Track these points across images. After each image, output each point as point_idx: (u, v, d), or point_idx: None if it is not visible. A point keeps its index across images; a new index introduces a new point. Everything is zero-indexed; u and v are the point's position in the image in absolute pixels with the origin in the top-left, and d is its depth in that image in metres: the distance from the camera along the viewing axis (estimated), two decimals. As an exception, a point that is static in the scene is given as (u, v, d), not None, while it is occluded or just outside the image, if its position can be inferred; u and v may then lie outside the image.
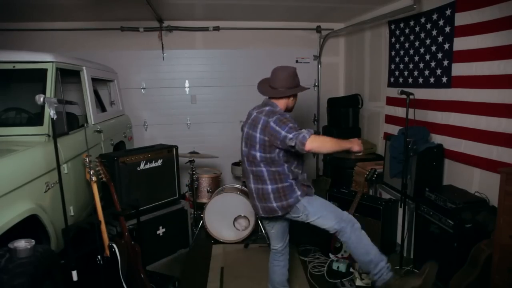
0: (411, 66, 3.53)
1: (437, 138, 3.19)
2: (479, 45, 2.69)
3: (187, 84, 4.92)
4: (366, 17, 4.20)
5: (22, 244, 1.76)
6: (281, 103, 2.26)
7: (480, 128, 2.72)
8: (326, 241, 3.30)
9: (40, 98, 1.88)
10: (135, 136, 4.77)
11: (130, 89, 4.76)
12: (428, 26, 3.23)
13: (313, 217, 2.24)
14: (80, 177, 2.79)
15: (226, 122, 4.97)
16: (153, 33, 4.64)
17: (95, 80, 3.59)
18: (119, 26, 4.53)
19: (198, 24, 4.73)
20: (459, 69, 2.90)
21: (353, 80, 4.93)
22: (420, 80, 3.40)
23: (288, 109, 2.32)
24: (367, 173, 3.41)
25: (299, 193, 2.21)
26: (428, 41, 3.25)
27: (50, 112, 1.92)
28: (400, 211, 3.10)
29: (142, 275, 2.52)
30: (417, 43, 3.41)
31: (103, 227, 2.37)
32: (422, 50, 3.35)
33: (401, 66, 3.70)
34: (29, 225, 2.11)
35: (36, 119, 2.59)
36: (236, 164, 4.34)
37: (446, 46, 3.01)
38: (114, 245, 2.34)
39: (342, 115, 4.65)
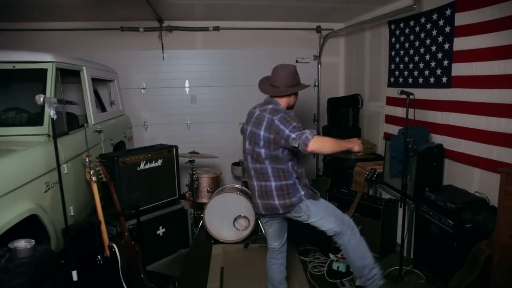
0: (411, 66, 3.53)
1: (437, 138, 3.19)
2: (479, 45, 2.69)
3: (187, 84, 4.92)
4: (366, 17, 4.20)
5: (22, 244, 1.76)
6: (283, 101, 2.27)
7: (480, 128, 2.72)
8: (326, 241, 3.30)
9: (40, 98, 1.88)
10: (135, 136, 4.77)
11: (130, 89, 4.77)
12: (428, 26, 3.23)
13: (314, 218, 2.24)
14: (80, 177, 2.79)
15: (226, 122, 4.97)
16: (153, 33, 4.64)
17: (95, 80, 3.59)
18: (119, 26, 4.53)
19: (198, 24, 4.73)
20: (459, 69, 2.90)
21: (353, 80, 4.93)
22: (420, 80, 3.40)
23: (289, 107, 2.33)
24: (367, 173, 3.41)
25: (302, 193, 2.22)
26: (428, 41, 3.25)
27: (50, 112, 1.92)
28: (400, 211, 3.10)
29: (142, 275, 2.52)
30: (417, 43, 3.41)
31: (103, 227, 2.37)
32: (422, 50, 3.35)
33: (401, 66, 3.70)
34: (29, 225, 2.11)
35: (36, 119, 2.59)
36: (236, 164, 4.34)
37: (446, 46, 3.01)
38: (114, 245, 2.34)
39: (342, 115, 4.65)
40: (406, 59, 3.60)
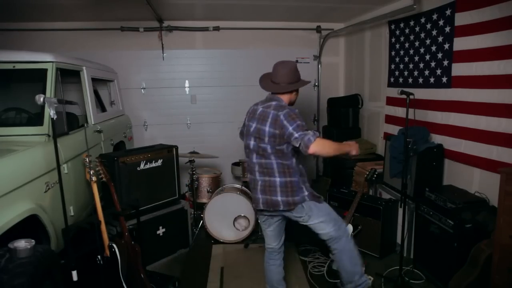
0: (411, 66, 3.53)
1: (437, 138, 3.19)
2: (479, 45, 2.69)
3: (187, 84, 4.92)
4: (366, 17, 4.20)
5: (22, 244, 1.76)
6: (285, 98, 2.29)
7: (480, 128, 2.72)
8: (326, 241, 3.30)
9: (40, 98, 1.88)
10: (135, 136, 4.77)
11: (130, 89, 4.77)
12: (428, 26, 3.23)
13: (314, 220, 2.26)
14: (80, 177, 2.79)
15: (226, 122, 4.97)
16: (153, 33, 4.64)
17: (95, 80, 3.59)
18: (119, 26, 4.53)
19: (198, 24, 4.73)
20: (459, 69, 2.90)
21: (353, 80, 4.92)
22: (420, 80, 3.40)
23: (291, 103, 2.35)
24: (367, 173, 3.41)
25: (306, 193, 2.24)
26: (428, 41, 3.25)
27: (50, 112, 1.92)
28: (400, 211, 3.09)
29: (142, 275, 2.52)
30: (417, 43, 3.41)
31: (103, 227, 2.37)
32: (422, 50, 3.35)
33: (401, 66, 3.70)
34: (29, 225, 2.11)
35: (36, 119, 2.59)
36: (236, 164, 4.34)
37: (446, 46, 3.01)
38: (114, 245, 2.34)
39: (342, 115, 4.65)
40: (406, 59, 3.60)
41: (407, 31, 3.56)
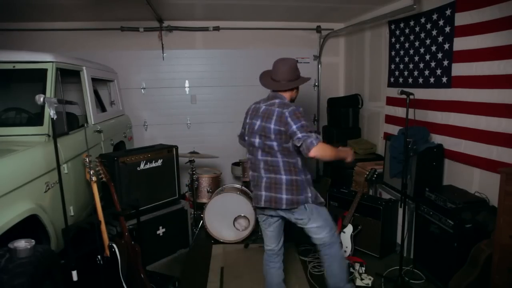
0: (411, 66, 3.53)
1: (437, 138, 3.19)
2: (479, 45, 2.69)
3: (187, 84, 4.92)
4: (366, 17, 4.20)
5: (22, 244, 1.76)
6: (286, 95, 2.30)
7: (480, 128, 2.72)
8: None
9: (40, 98, 1.88)
10: (135, 136, 4.77)
11: (130, 89, 4.77)
12: (428, 26, 3.23)
13: (313, 224, 2.28)
14: (80, 177, 2.79)
15: (226, 122, 4.97)
16: (153, 33, 4.64)
17: (95, 80, 3.59)
18: (119, 26, 4.53)
19: (198, 24, 4.73)
20: (459, 69, 2.90)
21: (353, 80, 4.93)
22: (420, 80, 3.40)
23: (291, 101, 2.36)
24: (367, 173, 3.41)
25: (310, 194, 2.25)
26: (428, 41, 3.25)
27: (50, 112, 1.92)
28: (400, 211, 3.09)
29: (142, 275, 2.52)
30: (417, 43, 3.41)
31: (103, 227, 2.37)
32: (422, 50, 3.35)
33: (401, 66, 3.70)
34: (29, 225, 2.11)
35: (36, 119, 2.59)
36: (236, 164, 4.34)
37: (446, 46, 3.01)
38: (114, 245, 2.34)
39: (342, 115, 4.65)
40: (406, 59, 3.60)
41: (407, 31, 3.56)
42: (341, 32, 4.87)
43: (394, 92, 3.02)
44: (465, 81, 2.85)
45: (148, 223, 3.12)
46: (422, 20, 3.30)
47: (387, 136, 3.70)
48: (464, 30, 2.81)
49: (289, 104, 2.22)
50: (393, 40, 3.82)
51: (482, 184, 2.76)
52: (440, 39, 3.08)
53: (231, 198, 3.64)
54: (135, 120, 4.75)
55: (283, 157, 2.19)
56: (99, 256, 2.32)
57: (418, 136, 3.09)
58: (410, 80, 3.55)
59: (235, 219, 3.64)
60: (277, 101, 2.24)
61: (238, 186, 3.91)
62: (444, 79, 3.07)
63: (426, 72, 3.30)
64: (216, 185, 4.09)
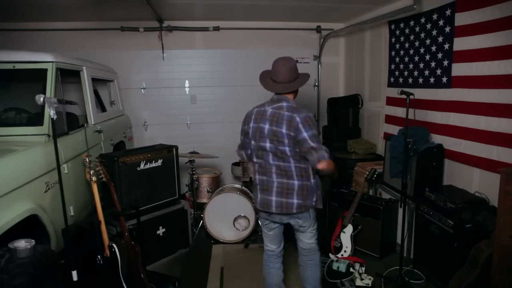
0: (411, 66, 3.53)
1: (437, 138, 3.19)
2: (479, 45, 2.69)
3: (187, 84, 4.92)
4: (366, 17, 4.20)
5: (22, 244, 1.76)
6: (291, 96, 2.29)
7: (480, 128, 2.72)
8: (326, 241, 3.31)
9: (40, 98, 1.88)
10: (135, 136, 4.77)
11: (130, 89, 4.77)
12: (428, 26, 3.23)
13: (310, 229, 2.36)
14: (80, 177, 2.79)
15: (226, 122, 4.97)
16: (153, 33, 4.64)
17: (95, 80, 3.59)
18: (119, 26, 4.53)
19: (198, 24, 4.73)
20: (459, 69, 2.90)
21: (353, 80, 4.92)
22: (420, 80, 3.40)
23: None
24: (367, 173, 3.41)
25: (315, 199, 2.28)
26: (428, 41, 3.25)
27: (50, 112, 1.92)
28: (400, 211, 3.10)
29: (142, 275, 2.52)
30: (417, 43, 3.41)
31: (103, 227, 2.37)
32: (422, 50, 3.35)
33: (401, 66, 3.70)
34: (29, 225, 2.11)
35: (36, 119, 2.59)
36: (236, 164, 4.34)
37: (446, 46, 3.01)
38: (114, 245, 2.34)
39: (342, 115, 4.65)
40: (406, 59, 3.60)
41: (407, 31, 3.56)
42: (341, 32, 4.87)
43: (394, 92, 3.03)
44: (465, 81, 2.85)
45: (148, 223, 3.12)
46: (422, 20, 3.30)
47: (387, 136, 3.70)
48: (464, 30, 2.81)
49: (299, 109, 2.20)
50: (393, 40, 3.82)
51: (482, 184, 2.76)
52: (440, 39, 3.08)
53: (231, 198, 3.64)
54: (135, 120, 4.75)
55: (295, 162, 2.19)
56: (99, 256, 2.32)
57: (418, 136, 3.09)
58: (410, 80, 3.55)
59: (235, 219, 3.64)
60: (284, 104, 2.21)
61: (238, 186, 3.91)
62: (444, 79, 3.07)
63: (426, 72, 3.30)
64: (216, 185, 4.09)
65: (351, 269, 2.98)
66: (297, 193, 2.21)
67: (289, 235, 2.54)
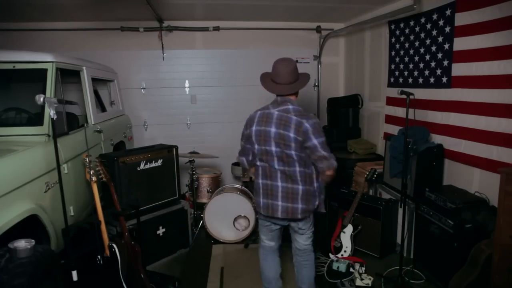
0: (411, 66, 3.53)
1: (437, 138, 3.19)
2: (479, 45, 2.69)
3: (187, 84, 4.92)
4: (366, 17, 4.20)
5: (22, 244, 1.76)
6: (294, 97, 2.29)
7: (480, 128, 2.72)
8: (326, 241, 3.31)
9: (40, 98, 1.88)
10: (135, 136, 4.77)
11: (130, 89, 4.77)
12: (428, 26, 3.23)
13: (307, 232, 2.37)
14: (80, 177, 2.79)
15: (226, 122, 4.97)
16: (153, 33, 4.64)
17: (95, 80, 3.59)
18: (119, 26, 4.53)
19: (198, 24, 4.73)
20: (459, 69, 2.90)
21: (353, 80, 4.92)
22: (420, 80, 3.40)
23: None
24: (367, 173, 3.41)
25: (317, 202, 2.29)
26: (428, 41, 3.25)
27: (50, 112, 1.92)
28: (400, 211, 3.09)
29: (142, 275, 2.52)
30: (417, 43, 3.41)
31: (103, 227, 2.37)
32: (422, 50, 3.35)
33: (401, 66, 3.70)
34: (29, 225, 2.11)
35: (36, 119, 2.59)
36: (236, 164, 4.34)
37: (446, 46, 3.01)
38: (114, 245, 2.34)
39: (342, 115, 4.65)
40: (406, 59, 3.60)
41: (407, 31, 3.56)
42: (341, 32, 4.87)
43: (394, 92, 3.03)
44: (465, 81, 2.85)
45: (148, 223, 3.12)
46: (422, 20, 3.30)
47: (387, 136, 3.70)
48: (464, 30, 2.81)
49: (306, 113, 2.19)
50: (393, 40, 3.82)
51: (482, 184, 2.76)
52: (440, 39, 3.08)
53: (231, 198, 3.64)
54: (135, 120, 4.75)
55: (300, 167, 2.19)
56: (99, 256, 2.32)
57: (418, 136, 3.09)
58: (410, 80, 3.55)
59: (235, 219, 3.64)
60: (290, 107, 2.20)
61: (238, 186, 3.91)
62: (444, 79, 3.07)
63: (426, 72, 3.30)
64: (216, 185, 4.09)
65: (351, 269, 2.98)
66: (301, 198, 2.21)
67: (288, 235, 2.54)
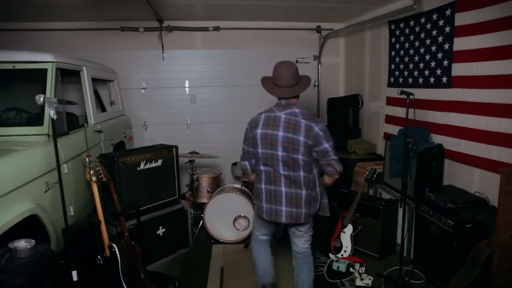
0: (411, 66, 3.53)
1: (437, 138, 3.19)
2: (479, 45, 2.69)
3: (187, 84, 4.92)
4: (366, 17, 4.20)
5: (22, 244, 1.76)
6: (296, 100, 2.30)
7: (480, 128, 2.72)
8: (326, 241, 3.31)
9: (40, 98, 1.88)
10: (135, 136, 4.77)
11: (130, 89, 4.77)
12: (428, 26, 3.23)
13: (306, 235, 2.36)
14: (80, 177, 2.79)
15: (226, 122, 4.97)
16: (153, 33, 4.64)
17: (95, 80, 3.59)
18: (119, 26, 4.53)
19: (198, 24, 4.73)
20: (459, 69, 2.90)
21: (353, 80, 4.93)
22: (420, 80, 3.40)
23: None
24: (367, 173, 3.41)
25: (318, 206, 2.29)
26: (428, 41, 3.25)
27: (50, 112, 1.92)
28: (400, 211, 3.10)
29: (142, 275, 2.52)
30: (417, 43, 3.41)
31: (103, 227, 2.37)
32: (422, 50, 3.35)
33: (401, 66, 3.70)
34: (29, 225, 2.11)
35: (36, 119, 2.59)
36: (236, 164, 4.34)
37: (446, 46, 3.01)
38: (114, 245, 2.34)
39: (342, 115, 4.65)
40: (406, 59, 3.60)
41: (407, 31, 3.56)
42: (341, 32, 4.87)
43: (394, 92, 3.03)
44: (465, 81, 2.85)
45: (148, 223, 3.12)
46: (422, 20, 3.30)
47: (387, 136, 3.70)
48: (464, 30, 2.81)
49: (313, 117, 2.22)
50: (393, 40, 3.82)
51: (482, 184, 2.76)
52: (440, 39, 3.08)
53: (231, 198, 3.64)
54: (135, 120, 4.75)
55: (304, 172, 2.19)
56: (99, 256, 2.32)
57: (418, 136, 3.09)
58: (410, 80, 3.55)
59: (235, 219, 3.64)
60: (297, 110, 2.19)
61: (238, 186, 3.91)
62: (444, 79, 3.07)
63: (426, 72, 3.30)
64: (216, 185, 4.09)
65: (351, 269, 2.98)
66: (304, 202, 2.22)
67: (288, 234, 2.54)
